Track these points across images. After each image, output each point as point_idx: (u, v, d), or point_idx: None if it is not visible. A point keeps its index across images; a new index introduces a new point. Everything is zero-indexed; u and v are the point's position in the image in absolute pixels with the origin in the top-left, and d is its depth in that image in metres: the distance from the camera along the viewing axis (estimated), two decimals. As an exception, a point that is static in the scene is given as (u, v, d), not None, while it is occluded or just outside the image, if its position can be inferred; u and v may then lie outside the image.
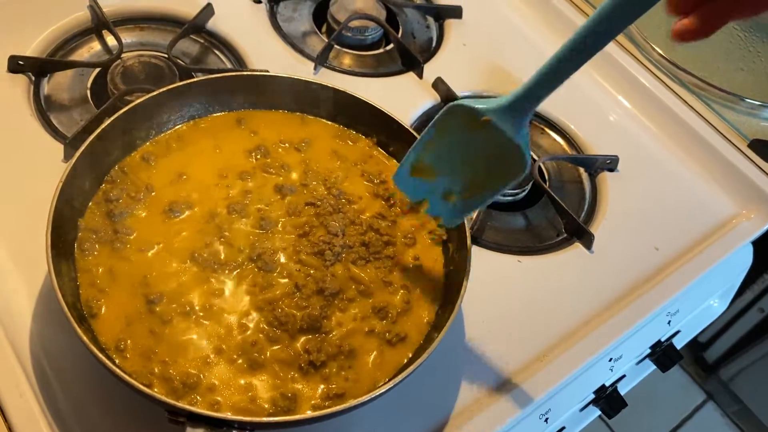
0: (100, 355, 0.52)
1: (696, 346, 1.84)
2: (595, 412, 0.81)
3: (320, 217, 0.68)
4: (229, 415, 0.52)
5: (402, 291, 0.65)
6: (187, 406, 0.51)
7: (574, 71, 0.51)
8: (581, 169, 0.89)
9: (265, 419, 0.53)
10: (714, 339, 1.82)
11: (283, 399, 0.57)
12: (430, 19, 1.02)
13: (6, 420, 0.55)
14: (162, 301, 0.59)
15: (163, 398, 0.51)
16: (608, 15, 0.46)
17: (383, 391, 0.56)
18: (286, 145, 0.73)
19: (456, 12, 1.01)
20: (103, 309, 0.59)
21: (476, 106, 0.56)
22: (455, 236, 0.68)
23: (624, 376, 0.80)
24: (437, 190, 0.62)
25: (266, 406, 0.56)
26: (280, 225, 0.67)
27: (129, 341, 0.57)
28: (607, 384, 0.78)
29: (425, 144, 0.60)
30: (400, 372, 0.59)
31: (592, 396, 0.78)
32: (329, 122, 0.76)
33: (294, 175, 0.71)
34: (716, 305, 0.93)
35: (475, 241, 0.78)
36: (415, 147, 0.61)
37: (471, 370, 0.69)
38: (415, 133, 0.69)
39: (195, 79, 0.70)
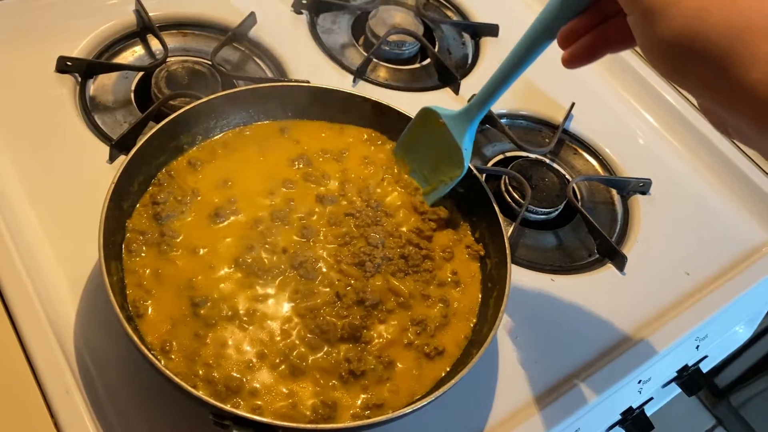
0: (150, 355, 0.52)
1: (706, 372, 1.84)
2: (620, 434, 0.81)
3: (360, 228, 0.69)
4: (274, 421, 0.52)
5: (440, 305, 0.66)
6: (234, 410, 0.51)
7: (514, 80, 0.61)
8: (613, 191, 0.90)
9: (309, 426, 0.54)
10: (726, 364, 1.82)
11: (324, 407, 0.57)
12: (467, 36, 1.03)
13: (53, 416, 0.56)
14: (206, 304, 0.60)
15: (211, 401, 0.51)
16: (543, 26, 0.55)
17: (424, 403, 0.56)
18: (327, 155, 0.74)
19: (492, 30, 1.02)
20: (149, 310, 0.59)
21: (436, 109, 0.69)
22: (494, 253, 0.68)
23: (652, 398, 0.80)
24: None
25: (307, 413, 0.57)
26: (321, 234, 0.68)
27: (174, 343, 0.58)
28: (635, 406, 0.79)
29: (403, 138, 0.73)
30: (439, 385, 0.60)
31: (619, 417, 0.78)
32: (364, 129, 0.77)
33: (334, 185, 0.72)
34: (741, 332, 0.93)
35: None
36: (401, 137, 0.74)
37: (503, 386, 0.69)
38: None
39: (245, 87, 0.71)
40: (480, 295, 0.68)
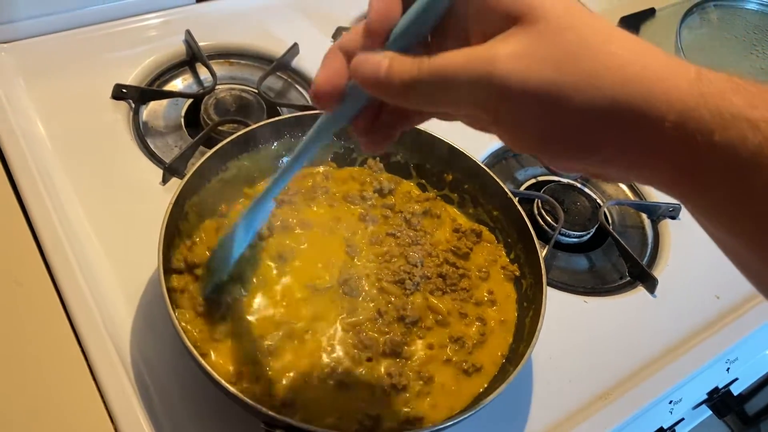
0: (204, 364, 0.56)
1: (737, 397, 1.82)
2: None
3: (400, 248, 0.72)
4: (323, 430, 0.55)
5: (477, 323, 0.69)
6: (286, 418, 0.54)
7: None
8: (644, 215, 0.92)
9: None
10: (756, 391, 1.80)
11: (368, 419, 0.60)
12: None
13: (111, 418, 0.59)
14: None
15: (264, 409, 0.54)
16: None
17: (462, 418, 0.58)
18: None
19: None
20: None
21: None
22: (529, 273, 0.71)
23: (683, 419, 0.82)
24: None
25: (354, 426, 0.59)
26: (363, 252, 0.71)
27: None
28: (666, 426, 0.80)
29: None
30: (476, 401, 0.62)
31: (651, 437, 0.79)
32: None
33: (376, 207, 0.75)
34: (771, 356, 0.94)
35: (542, 279, 0.81)
36: None
37: (537, 404, 0.71)
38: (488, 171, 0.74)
39: (292, 115, 0.75)
40: (516, 314, 0.71)
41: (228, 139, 0.70)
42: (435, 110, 0.42)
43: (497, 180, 0.75)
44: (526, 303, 0.70)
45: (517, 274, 0.73)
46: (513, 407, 0.70)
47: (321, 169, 0.78)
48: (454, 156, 0.77)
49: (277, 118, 0.74)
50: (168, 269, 0.64)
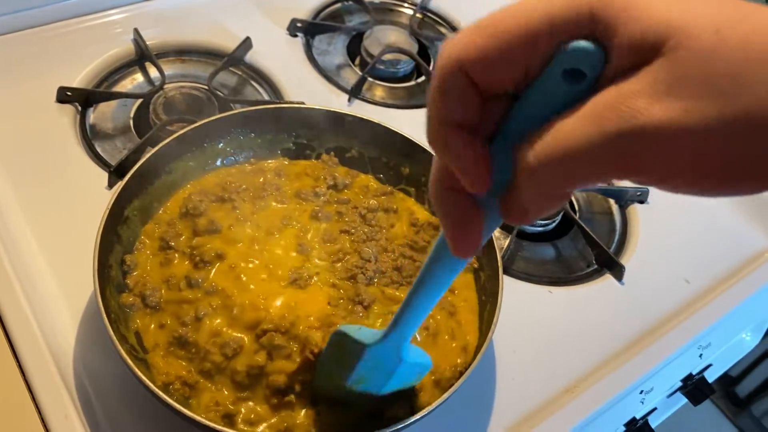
0: (150, 383, 0.53)
1: (727, 380, 1.81)
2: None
3: (354, 244, 0.69)
4: None
5: (437, 316, 0.66)
6: (228, 430, 0.52)
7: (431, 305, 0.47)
8: (611, 201, 0.90)
9: None
10: (746, 374, 1.79)
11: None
12: (461, 52, 1.04)
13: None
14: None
15: (212, 425, 0.51)
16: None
17: (416, 419, 0.56)
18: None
19: (487, 45, 1.03)
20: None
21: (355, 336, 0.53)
22: (487, 265, 0.69)
23: (655, 408, 0.80)
24: None
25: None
26: (315, 251, 0.68)
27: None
28: (638, 417, 0.78)
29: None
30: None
31: (623, 429, 0.77)
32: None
33: (330, 203, 0.73)
34: (748, 339, 0.92)
35: (506, 270, 0.79)
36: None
37: (501, 400, 0.69)
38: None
39: (238, 110, 0.73)
40: (476, 308, 0.68)
41: (167, 140, 0.67)
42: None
43: None
44: (484, 296, 0.68)
45: (476, 266, 0.70)
46: (476, 404, 0.68)
47: (273, 163, 0.75)
48: (410, 149, 0.75)
49: (220, 115, 0.71)
50: (120, 286, 0.62)
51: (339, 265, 0.67)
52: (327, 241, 0.69)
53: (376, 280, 0.67)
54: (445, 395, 0.57)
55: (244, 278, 0.63)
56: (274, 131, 0.75)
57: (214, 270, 0.64)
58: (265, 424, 0.57)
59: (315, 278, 0.66)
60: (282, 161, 0.76)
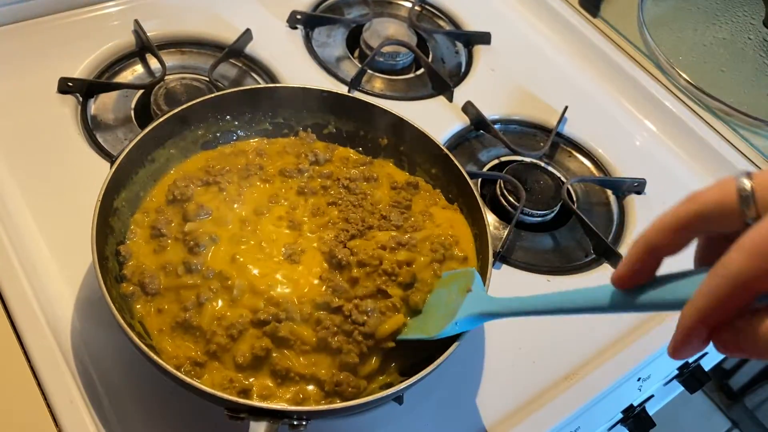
0: (147, 350, 0.54)
1: (721, 372, 1.82)
2: (623, 432, 0.82)
3: (343, 214, 0.70)
4: (288, 407, 0.54)
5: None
6: (250, 402, 0.52)
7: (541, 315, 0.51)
8: (609, 192, 0.91)
9: (317, 408, 0.55)
10: (739, 366, 1.81)
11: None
12: (460, 46, 1.05)
13: (57, 425, 0.57)
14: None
15: (225, 396, 0.52)
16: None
17: (399, 389, 0.56)
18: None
19: (485, 38, 1.03)
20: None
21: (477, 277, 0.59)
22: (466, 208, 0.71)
23: (652, 396, 0.81)
24: None
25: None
26: (306, 226, 0.69)
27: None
28: (635, 404, 0.79)
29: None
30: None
31: (621, 415, 0.78)
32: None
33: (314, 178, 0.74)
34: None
35: (505, 260, 0.80)
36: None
37: (500, 387, 0.70)
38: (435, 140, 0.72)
39: (213, 95, 0.73)
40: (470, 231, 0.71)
41: (147, 129, 0.67)
42: None
43: (430, 137, 0.73)
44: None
45: (459, 211, 0.72)
46: (475, 390, 0.69)
47: (253, 143, 0.76)
48: (387, 120, 0.75)
49: (196, 101, 0.71)
50: (118, 276, 0.63)
51: (329, 232, 0.68)
52: (316, 215, 0.70)
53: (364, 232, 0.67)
54: (441, 359, 0.57)
55: (241, 259, 0.64)
56: (251, 113, 0.75)
57: (209, 254, 0.64)
58: (279, 398, 0.58)
59: (309, 250, 0.66)
60: (261, 141, 0.76)
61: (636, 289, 0.41)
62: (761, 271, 0.33)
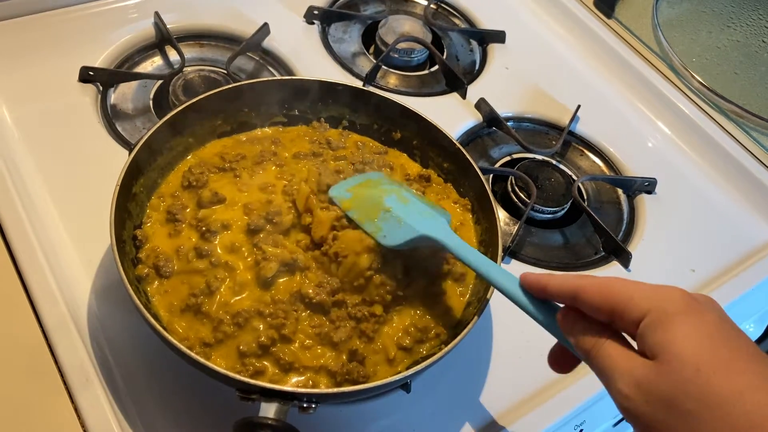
0: (163, 331, 0.55)
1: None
2: (628, 429, 0.82)
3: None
4: (299, 389, 0.55)
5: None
6: (261, 383, 0.53)
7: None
8: (619, 191, 0.91)
9: (328, 390, 0.56)
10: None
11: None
12: (474, 43, 1.06)
13: (74, 403, 0.59)
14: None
15: (237, 376, 0.53)
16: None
17: (407, 374, 0.57)
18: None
19: (499, 37, 1.04)
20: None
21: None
22: (483, 219, 0.72)
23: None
24: None
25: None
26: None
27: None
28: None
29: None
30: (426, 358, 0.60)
31: (626, 412, 0.79)
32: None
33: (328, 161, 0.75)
34: (752, 330, 0.93)
35: (515, 255, 0.81)
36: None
37: (505, 381, 0.71)
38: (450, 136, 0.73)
39: (231, 86, 0.74)
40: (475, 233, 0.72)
41: (166, 117, 0.68)
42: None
43: (444, 131, 0.74)
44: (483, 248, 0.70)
45: (470, 206, 0.73)
46: (480, 383, 0.70)
47: (268, 131, 0.77)
48: (402, 115, 0.76)
49: (214, 90, 0.72)
50: (135, 260, 0.64)
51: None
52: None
53: None
54: (449, 346, 0.58)
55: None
56: (267, 104, 0.77)
57: (218, 241, 0.65)
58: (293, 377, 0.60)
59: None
60: (276, 129, 0.78)
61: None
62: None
